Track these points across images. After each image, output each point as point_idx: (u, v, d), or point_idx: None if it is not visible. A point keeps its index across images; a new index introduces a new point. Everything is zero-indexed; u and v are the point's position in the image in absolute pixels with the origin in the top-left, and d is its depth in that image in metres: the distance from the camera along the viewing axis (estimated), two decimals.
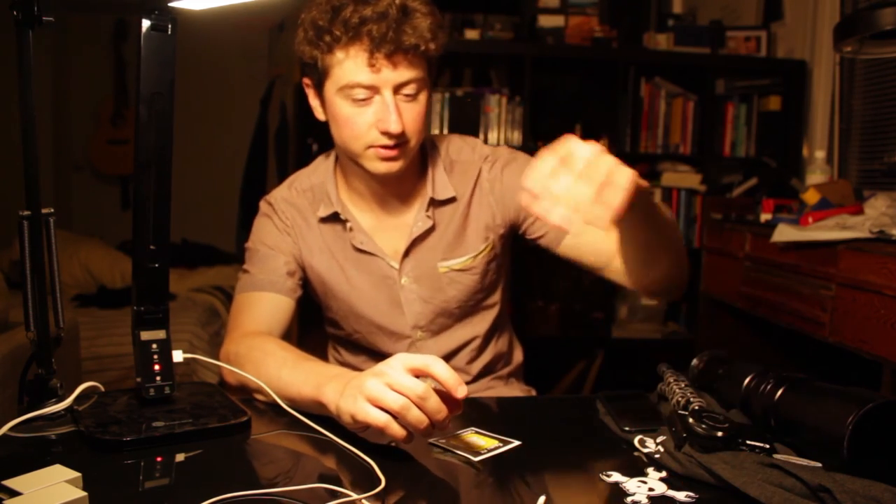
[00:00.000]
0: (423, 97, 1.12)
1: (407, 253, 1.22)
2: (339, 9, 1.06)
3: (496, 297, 1.30)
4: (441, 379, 0.81)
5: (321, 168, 1.28)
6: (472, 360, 1.29)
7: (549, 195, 0.76)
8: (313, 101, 1.18)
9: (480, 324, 1.29)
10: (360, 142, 1.12)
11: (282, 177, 4.37)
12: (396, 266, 1.22)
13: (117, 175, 4.89)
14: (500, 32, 3.14)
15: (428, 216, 1.21)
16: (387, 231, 1.23)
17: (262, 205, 1.29)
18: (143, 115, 0.88)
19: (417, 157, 1.22)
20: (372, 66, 1.06)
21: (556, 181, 0.76)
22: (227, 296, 3.58)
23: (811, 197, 2.22)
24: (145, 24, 0.85)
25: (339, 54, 1.07)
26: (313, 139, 3.12)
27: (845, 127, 2.85)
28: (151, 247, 0.92)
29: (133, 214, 0.91)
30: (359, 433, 0.86)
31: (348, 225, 1.22)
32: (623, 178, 0.76)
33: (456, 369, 1.25)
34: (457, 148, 1.27)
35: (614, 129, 3.16)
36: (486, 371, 1.31)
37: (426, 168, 1.24)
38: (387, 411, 0.80)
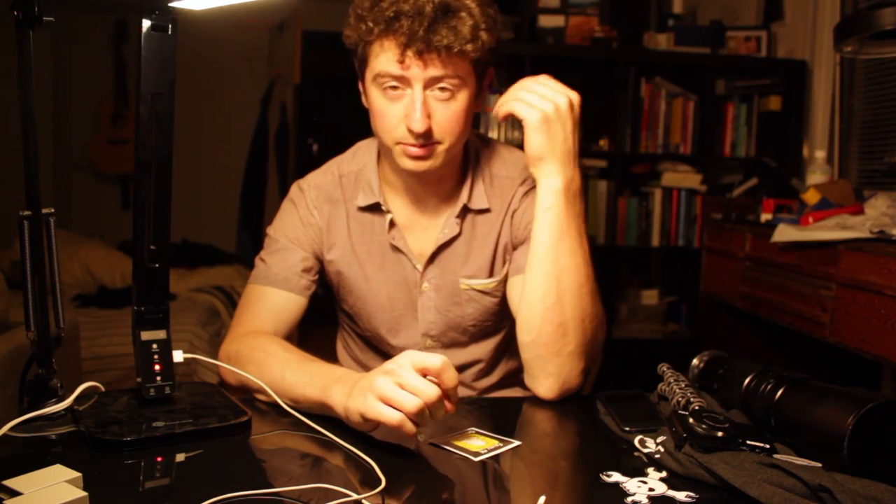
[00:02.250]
0: (462, 97, 1.07)
1: (432, 259, 1.19)
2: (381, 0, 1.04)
3: (510, 318, 1.29)
4: (447, 390, 0.82)
5: (361, 153, 1.24)
6: (478, 379, 1.28)
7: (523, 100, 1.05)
8: (361, 87, 1.15)
9: (491, 344, 1.27)
10: (389, 135, 1.09)
11: (282, 177, 4.39)
12: (420, 269, 1.20)
13: (117, 175, 4.89)
14: (501, 32, 3.14)
15: (456, 223, 1.18)
16: (416, 231, 1.20)
17: (293, 189, 1.24)
18: (143, 115, 0.88)
19: (459, 161, 1.19)
20: (401, 61, 1.03)
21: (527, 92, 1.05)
22: (228, 296, 3.58)
23: (811, 197, 2.22)
24: (145, 24, 0.85)
25: (374, 44, 1.06)
26: (313, 139, 3.12)
27: (845, 127, 2.85)
28: (151, 247, 0.92)
29: (133, 214, 0.91)
30: (366, 432, 0.86)
31: (389, 217, 1.18)
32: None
33: (462, 385, 1.25)
34: (501, 161, 1.23)
35: (614, 129, 3.16)
36: (491, 389, 1.30)
37: (467, 174, 1.20)
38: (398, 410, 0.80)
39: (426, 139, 1.07)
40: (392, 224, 1.19)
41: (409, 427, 0.80)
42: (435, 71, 1.04)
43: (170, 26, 0.87)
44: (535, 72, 1.11)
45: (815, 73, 2.97)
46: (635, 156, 3.24)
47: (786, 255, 2.15)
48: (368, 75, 1.09)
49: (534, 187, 1.14)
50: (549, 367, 1.06)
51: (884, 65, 2.64)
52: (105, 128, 4.79)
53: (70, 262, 3.65)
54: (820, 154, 2.55)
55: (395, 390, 0.80)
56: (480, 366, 1.26)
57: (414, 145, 1.07)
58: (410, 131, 1.06)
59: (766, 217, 2.38)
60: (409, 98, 1.06)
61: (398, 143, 1.09)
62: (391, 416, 0.80)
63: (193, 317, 3.11)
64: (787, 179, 2.73)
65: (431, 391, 0.80)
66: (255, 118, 4.68)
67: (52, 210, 0.89)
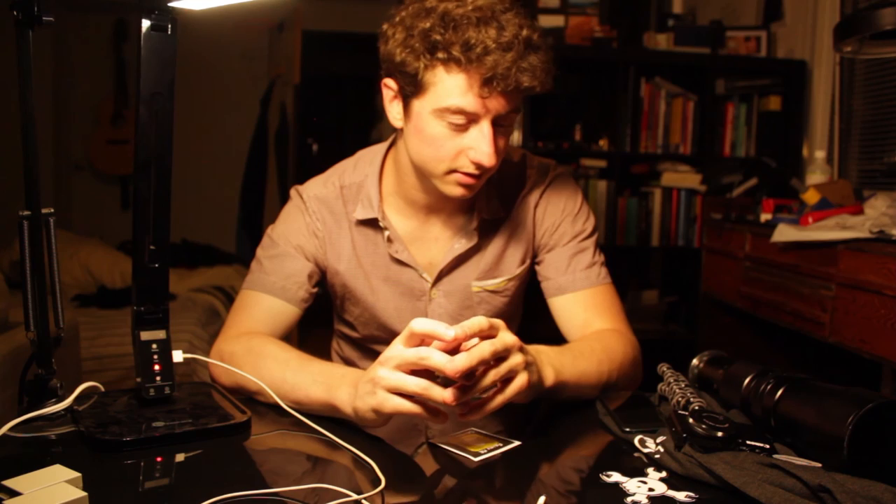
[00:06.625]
0: (512, 127, 1.08)
1: (446, 270, 1.18)
2: (459, 26, 0.97)
3: (516, 312, 1.30)
4: (426, 333, 0.80)
5: (363, 164, 1.21)
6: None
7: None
8: (392, 106, 1.09)
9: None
10: (443, 165, 1.05)
11: (282, 177, 4.39)
12: (429, 279, 1.18)
13: (117, 175, 4.89)
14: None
15: (474, 234, 1.17)
16: (424, 242, 1.19)
17: (293, 195, 1.22)
18: (143, 115, 0.88)
19: None
20: (483, 97, 0.99)
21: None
22: (227, 296, 3.58)
23: (811, 197, 2.22)
24: (145, 24, 0.85)
25: (448, 75, 0.99)
26: (313, 139, 3.11)
27: (845, 127, 2.85)
28: (151, 247, 0.92)
29: (133, 214, 0.91)
30: (372, 429, 0.87)
31: (386, 234, 1.17)
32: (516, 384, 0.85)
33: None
34: (506, 163, 1.21)
35: (614, 129, 3.16)
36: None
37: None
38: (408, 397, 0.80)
39: (485, 169, 1.05)
40: (390, 240, 1.17)
41: (422, 412, 0.80)
42: (509, 107, 1.02)
43: (169, 26, 0.87)
44: None
45: (815, 73, 2.97)
46: (635, 156, 3.24)
47: (785, 255, 2.16)
48: (425, 104, 1.02)
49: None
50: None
51: (884, 65, 2.64)
52: (105, 128, 4.80)
53: (70, 262, 3.65)
54: (820, 154, 2.55)
55: (399, 377, 0.79)
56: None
57: (472, 175, 1.05)
58: (478, 164, 1.03)
59: (765, 217, 2.38)
60: (475, 132, 1.02)
61: (452, 172, 1.06)
62: (410, 408, 0.79)
63: (193, 317, 3.12)
64: (787, 179, 2.73)
65: (422, 350, 0.78)
66: (255, 118, 4.68)
67: (52, 210, 0.89)
